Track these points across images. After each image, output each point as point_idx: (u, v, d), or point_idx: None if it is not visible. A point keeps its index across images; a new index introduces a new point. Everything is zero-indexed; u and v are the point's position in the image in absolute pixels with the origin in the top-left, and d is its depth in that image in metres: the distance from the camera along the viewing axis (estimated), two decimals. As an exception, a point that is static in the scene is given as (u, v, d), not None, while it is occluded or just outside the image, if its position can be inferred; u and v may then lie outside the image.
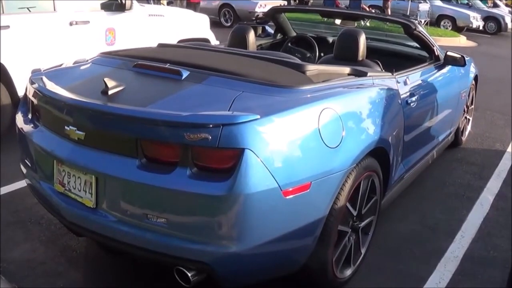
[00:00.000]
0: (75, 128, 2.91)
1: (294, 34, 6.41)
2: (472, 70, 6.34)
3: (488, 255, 4.06)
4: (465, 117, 6.59)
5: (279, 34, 6.41)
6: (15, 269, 3.52)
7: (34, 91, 3.28)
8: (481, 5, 27.32)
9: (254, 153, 2.56)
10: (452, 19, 24.11)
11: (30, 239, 3.90)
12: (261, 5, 18.61)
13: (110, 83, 2.96)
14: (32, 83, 3.34)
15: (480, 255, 4.07)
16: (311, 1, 25.23)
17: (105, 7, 6.92)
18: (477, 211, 4.84)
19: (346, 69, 3.76)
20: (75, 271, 3.58)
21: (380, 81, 3.84)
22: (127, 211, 2.79)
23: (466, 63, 5.33)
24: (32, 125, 3.37)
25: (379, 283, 3.59)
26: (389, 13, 19.41)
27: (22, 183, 4.27)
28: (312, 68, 3.46)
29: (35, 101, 3.32)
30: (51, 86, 3.19)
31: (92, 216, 2.93)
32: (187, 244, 2.68)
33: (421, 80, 4.63)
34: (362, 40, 4.43)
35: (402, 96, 4.02)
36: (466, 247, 4.16)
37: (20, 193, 4.53)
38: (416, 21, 5.36)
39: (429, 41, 5.18)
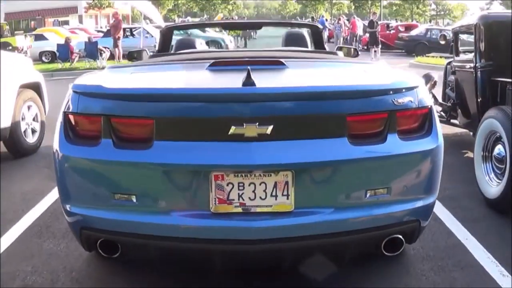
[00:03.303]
0: (255, 124, 2.45)
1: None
2: None
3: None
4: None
5: None
6: None
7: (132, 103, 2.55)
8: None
9: (432, 109, 2.82)
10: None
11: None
12: None
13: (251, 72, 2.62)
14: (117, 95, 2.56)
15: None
16: None
17: None
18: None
19: None
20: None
21: None
22: (341, 195, 2.58)
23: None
24: (124, 149, 2.56)
25: None
26: None
27: None
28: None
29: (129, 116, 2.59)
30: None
31: (291, 220, 2.53)
32: (405, 206, 2.71)
33: None
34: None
35: None
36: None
37: None
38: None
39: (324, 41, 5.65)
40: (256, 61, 3.06)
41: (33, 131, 6.87)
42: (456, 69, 6.26)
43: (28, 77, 6.86)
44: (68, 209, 2.76)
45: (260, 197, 2.52)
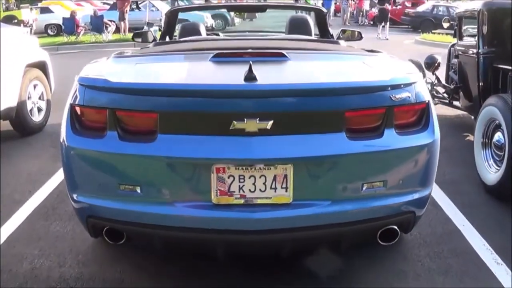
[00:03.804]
0: (255, 119, 2.52)
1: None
2: None
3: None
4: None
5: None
6: None
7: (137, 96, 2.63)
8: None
9: (430, 103, 2.88)
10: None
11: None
12: None
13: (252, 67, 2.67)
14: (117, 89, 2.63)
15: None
16: None
17: None
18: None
19: None
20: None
21: None
22: (339, 188, 2.65)
23: None
24: (129, 142, 2.64)
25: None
26: None
27: None
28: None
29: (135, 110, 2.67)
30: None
31: (290, 212, 2.62)
32: (401, 198, 2.79)
33: None
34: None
35: None
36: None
37: None
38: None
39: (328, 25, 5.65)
40: (258, 53, 3.10)
41: (39, 110, 6.96)
42: (459, 53, 6.28)
43: (33, 56, 6.92)
44: (75, 198, 2.85)
45: (260, 189, 2.60)
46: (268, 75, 2.74)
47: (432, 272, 3.33)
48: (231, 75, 2.77)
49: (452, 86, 6.70)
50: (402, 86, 2.69)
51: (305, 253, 3.29)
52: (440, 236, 3.84)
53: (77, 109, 2.77)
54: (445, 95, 6.99)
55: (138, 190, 2.66)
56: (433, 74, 7.24)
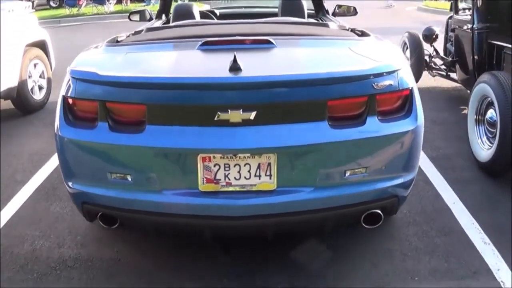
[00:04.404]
0: (239, 110, 2.59)
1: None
2: None
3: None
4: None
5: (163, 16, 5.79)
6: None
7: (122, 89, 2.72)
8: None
9: (414, 90, 2.92)
10: None
11: None
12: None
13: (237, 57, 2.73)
14: (104, 81, 2.72)
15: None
16: None
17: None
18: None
19: None
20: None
21: None
22: (321, 175, 2.73)
23: None
24: (119, 132, 2.73)
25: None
26: None
27: None
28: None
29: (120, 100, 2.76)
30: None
31: (274, 198, 2.71)
32: (384, 183, 2.86)
33: None
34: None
35: None
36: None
37: None
38: None
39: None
40: (245, 40, 3.16)
41: (40, 88, 7.06)
42: (455, 27, 6.28)
43: (33, 36, 6.99)
44: (70, 185, 2.98)
45: (245, 177, 2.69)
46: (253, 65, 2.80)
47: (419, 252, 3.41)
48: (217, 66, 2.83)
49: (449, 59, 6.71)
50: (384, 74, 2.74)
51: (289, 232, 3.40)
52: (430, 214, 3.91)
53: (69, 100, 2.86)
54: (443, 67, 7.00)
55: (129, 178, 2.76)
56: (431, 46, 7.24)
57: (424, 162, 4.82)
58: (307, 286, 3.09)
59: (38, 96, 6.95)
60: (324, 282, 3.12)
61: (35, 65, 6.91)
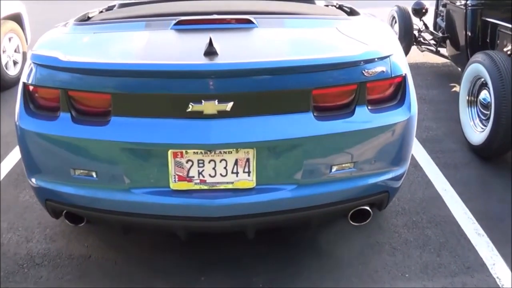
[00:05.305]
0: (214, 101, 2.35)
1: None
2: None
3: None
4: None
5: None
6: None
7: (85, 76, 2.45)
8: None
9: (407, 77, 2.69)
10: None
11: None
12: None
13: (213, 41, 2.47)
14: (68, 67, 2.46)
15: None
16: None
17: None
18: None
19: None
20: None
21: None
22: (306, 172, 2.50)
23: None
24: (82, 124, 2.48)
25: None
26: None
27: None
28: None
29: (80, 89, 2.50)
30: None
31: (253, 197, 2.49)
32: (373, 179, 2.66)
33: None
34: None
35: None
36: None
37: None
38: None
39: None
40: (223, 19, 2.91)
41: (15, 63, 6.78)
42: (447, 2, 6.01)
43: (8, 8, 6.65)
44: (33, 181, 2.73)
45: (221, 174, 2.47)
46: (231, 49, 2.57)
47: (409, 245, 3.23)
48: (190, 50, 2.59)
49: (440, 34, 6.47)
50: (376, 59, 2.51)
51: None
52: (420, 203, 3.72)
53: (30, 88, 2.60)
54: (432, 42, 6.76)
55: (94, 175, 2.53)
56: (420, 20, 6.99)
57: (413, 145, 4.61)
58: (289, 286, 2.89)
59: (12, 71, 6.66)
60: (308, 281, 2.92)
61: (9, 39, 6.61)
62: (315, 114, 2.45)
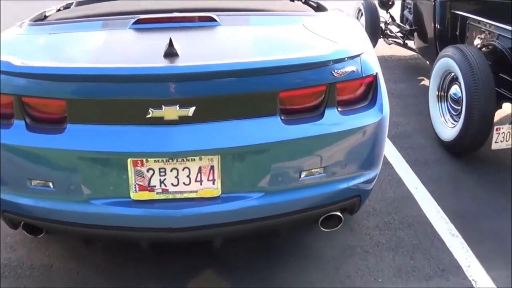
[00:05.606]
0: (175, 106, 2.20)
1: None
2: None
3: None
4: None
5: None
6: None
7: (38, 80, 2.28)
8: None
9: (378, 76, 2.58)
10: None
11: None
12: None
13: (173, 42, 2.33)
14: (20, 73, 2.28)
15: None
16: None
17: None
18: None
19: None
20: None
21: None
22: (273, 178, 2.37)
23: None
24: (37, 132, 2.32)
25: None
26: None
27: None
28: None
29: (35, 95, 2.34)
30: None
31: (218, 206, 2.35)
32: (344, 183, 2.54)
33: None
34: None
35: None
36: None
37: None
38: None
39: None
40: (184, 17, 2.76)
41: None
42: (415, -7, 5.92)
43: None
44: None
45: (184, 183, 2.33)
46: (192, 50, 2.43)
47: (382, 248, 3.13)
48: (149, 51, 2.44)
49: (407, 27, 6.38)
50: (346, 59, 2.39)
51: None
52: (391, 203, 3.63)
53: None
54: (399, 34, 6.69)
55: (51, 186, 2.38)
56: (387, 12, 6.91)
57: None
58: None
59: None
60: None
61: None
62: (282, 117, 2.33)
